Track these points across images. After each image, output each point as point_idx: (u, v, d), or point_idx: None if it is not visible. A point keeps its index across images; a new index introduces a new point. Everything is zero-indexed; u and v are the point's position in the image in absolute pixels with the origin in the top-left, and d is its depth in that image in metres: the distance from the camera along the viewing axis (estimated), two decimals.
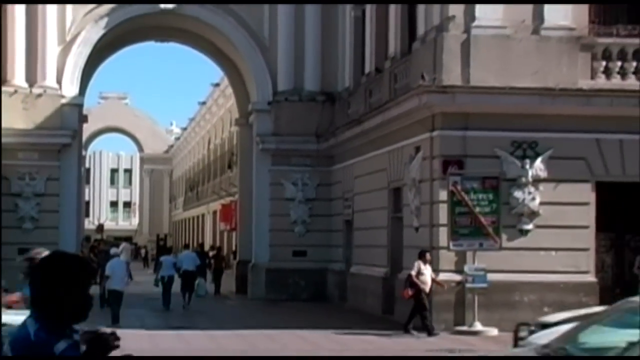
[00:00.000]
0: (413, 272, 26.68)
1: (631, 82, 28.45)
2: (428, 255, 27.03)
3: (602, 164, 28.32)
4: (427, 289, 26.82)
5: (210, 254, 56.09)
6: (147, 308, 37.86)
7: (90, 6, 39.96)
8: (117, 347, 5.61)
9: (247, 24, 41.54)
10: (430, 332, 26.47)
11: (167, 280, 39.30)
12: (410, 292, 26.71)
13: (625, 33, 28.79)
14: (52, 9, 39.08)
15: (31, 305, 5.55)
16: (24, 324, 5.49)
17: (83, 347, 5.70)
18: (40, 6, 38.91)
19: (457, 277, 27.65)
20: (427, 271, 26.84)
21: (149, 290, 42.11)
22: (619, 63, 28.63)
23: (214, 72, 57.46)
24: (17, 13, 38.68)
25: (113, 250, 39.93)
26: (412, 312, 27.19)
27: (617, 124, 27.93)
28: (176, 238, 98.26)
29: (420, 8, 31.11)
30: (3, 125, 37.14)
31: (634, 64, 28.63)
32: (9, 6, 38.36)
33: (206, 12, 41.22)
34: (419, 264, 26.76)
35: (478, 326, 26.65)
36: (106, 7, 40.34)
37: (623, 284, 27.79)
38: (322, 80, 41.47)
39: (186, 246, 62.82)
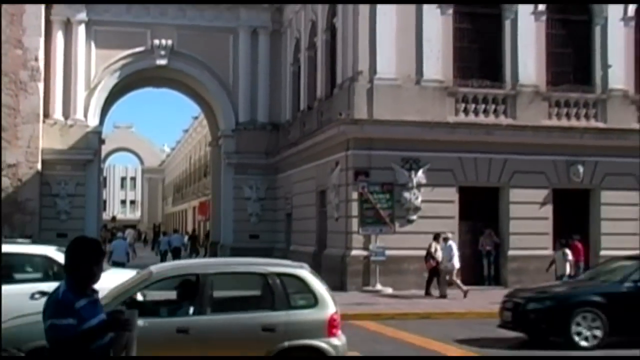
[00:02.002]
0: (432, 250, 26.52)
1: (481, 118, 29.29)
2: (440, 239, 27.00)
3: (463, 174, 29.03)
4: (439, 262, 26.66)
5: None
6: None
7: (109, 62, 39.94)
8: (130, 326, 5.96)
9: (217, 75, 41.57)
10: (443, 295, 26.22)
11: (163, 252, 44.63)
12: (432, 263, 26.54)
13: (477, 85, 29.56)
14: (81, 66, 39.29)
15: (64, 272, 5.95)
16: (59, 286, 5.89)
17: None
18: (72, 62, 39.05)
19: (365, 253, 27.93)
20: (439, 249, 26.76)
21: (149, 261, 42.59)
22: (473, 105, 29.35)
23: (194, 108, 57.04)
24: (58, 69, 38.85)
25: (119, 234, 41.04)
26: (429, 278, 26.89)
27: (472, 147, 28.72)
28: (167, 226, 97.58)
29: (339, 64, 31.29)
30: (46, 146, 37.92)
31: (483, 106, 29.39)
32: (52, 63, 38.61)
33: (189, 67, 41.38)
34: (435, 244, 26.76)
35: (379, 287, 27.12)
36: (119, 64, 40.32)
37: (475, 255, 28.91)
38: (270, 114, 41.56)
39: (175, 231, 63.15)
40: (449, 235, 26.78)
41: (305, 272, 11.53)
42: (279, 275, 11.31)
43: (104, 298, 11.76)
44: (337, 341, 11.16)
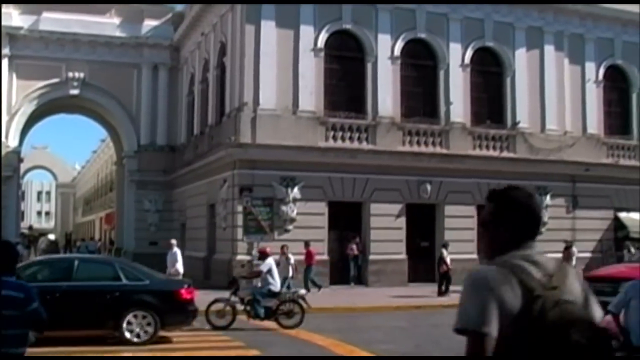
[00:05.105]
0: (445, 256, 25.85)
1: (347, 144, 29.09)
2: (449, 247, 26.65)
3: (331, 191, 28.70)
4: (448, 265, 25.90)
5: (99, 244, 55.69)
6: None
7: (28, 91, 38.47)
8: None
9: (123, 104, 40.49)
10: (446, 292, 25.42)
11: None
12: (445, 268, 25.73)
13: (344, 116, 29.35)
14: (4, 94, 37.31)
15: None
16: None
17: None
18: None
19: (248, 257, 27.29)
20: (449, 256, 26.15)
21: None
22: (340, 133, 29.16)
23: (102, 132, 55.62)
24: None
25: (17, 239, 40.28)
26: (440, 280, 25.99)
27: (339, 168, 28.49)
28: (78, 234, 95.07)
29: (227, 96, 30.72)
30: None
31: (348, 133, 29.24)
32: None
33: (98, 96, 40.15)
34: (445, 251, 26.17)
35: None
36: (37, 93, 38.87)
37: (343, 259, 28.64)
38: (168, 137, 40.64)
39: (92, 238, 62.32)
40: (173, 241, 24.73)
41: None
42: None
43: None
44: None
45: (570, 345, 2.79)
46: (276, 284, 18.19)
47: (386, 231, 28.89)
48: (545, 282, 2.87)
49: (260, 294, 17.81)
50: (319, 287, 26.37)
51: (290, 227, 28.08)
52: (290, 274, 24.19)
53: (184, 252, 36.03)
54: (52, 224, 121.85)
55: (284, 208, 28.00)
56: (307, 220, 28.03)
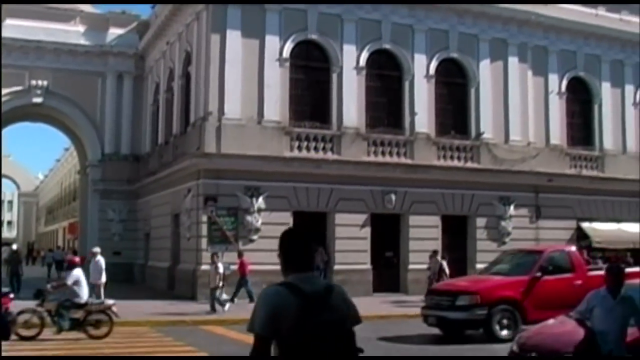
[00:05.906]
0: (444, 267, 26.27)
1: (312, 154, 29.10)
2: (447, 258, 27.04)
3: (296, 200, 28.72)
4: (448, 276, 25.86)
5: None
6: (36, 280, 36.19)
7: None
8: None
9: (87, 112, 40.20)
10: None
11: (49, 264, 46.89)
12: (445, 279, 25.31)
13: (309, 126, 29.42)
14: None
15: None
16: None
17: None
18: None
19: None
20: (447, 266, 26.41)
21: (31, 273, 40.36)
22: (305, 143, 29.15)
23: (65, 140, 55.29)
24: None
25: None
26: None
27: (304, 178, 28.53)
28: (40, 243, 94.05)
29: (192, 106, 30.59)
30: None
31: (313, 143, 29.24)
32: None
33: (62, 105, 39.83)
34: (445, 262, 26.38)
35: (224, 296, 25.10)
36: None
37: None
38: (132, 146, 40.39)
39: (58, 247, 61.80)
40: (96, 249, 24.39)
41: None
42: None
43: None
44: None
45: (327, 343, 3.91)
46: (82, 296, 17.49)
47: (351, 241, 28.95)
48: (313, 295, 3.91)
49: (63, 307, 17.23)
50: (244, 292, 25.74)
51: (255, 237, 28.01)
52: (220, 283, 23.59)
53: (148, 262, 36.19)
54: (14, 233, 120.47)
55: (248, 218, 27.93)
56: (272, 230, 27.39)
